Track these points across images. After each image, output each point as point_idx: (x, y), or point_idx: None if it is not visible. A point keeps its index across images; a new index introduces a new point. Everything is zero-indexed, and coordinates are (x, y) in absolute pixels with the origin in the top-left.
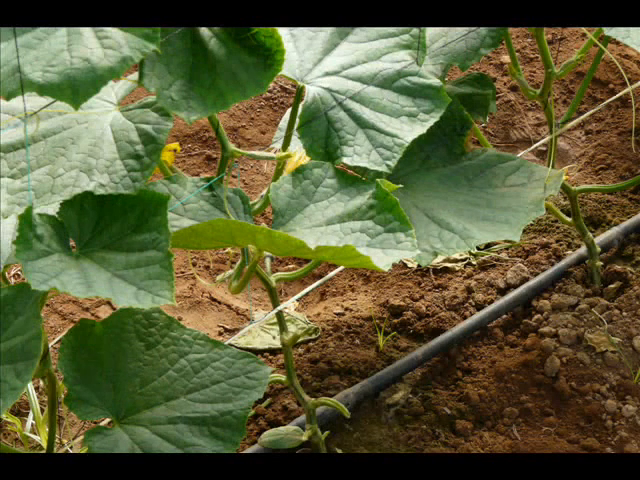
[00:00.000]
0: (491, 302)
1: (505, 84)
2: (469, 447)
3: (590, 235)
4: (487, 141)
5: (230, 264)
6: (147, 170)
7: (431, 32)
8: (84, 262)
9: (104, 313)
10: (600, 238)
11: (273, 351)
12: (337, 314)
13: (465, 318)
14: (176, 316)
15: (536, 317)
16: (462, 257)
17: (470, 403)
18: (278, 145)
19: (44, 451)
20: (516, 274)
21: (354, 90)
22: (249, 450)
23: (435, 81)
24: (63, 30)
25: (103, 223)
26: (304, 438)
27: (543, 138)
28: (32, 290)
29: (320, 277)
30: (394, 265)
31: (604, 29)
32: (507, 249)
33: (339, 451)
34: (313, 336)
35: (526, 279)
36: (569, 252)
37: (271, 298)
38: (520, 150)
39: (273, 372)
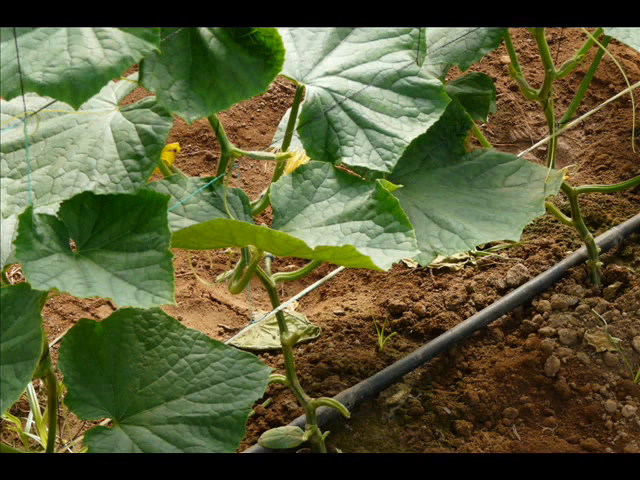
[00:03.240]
0: (491, 302)
1: (505, 84)
2: (469, 447)
3: (590, 235)
4: (487, 141)
5: (230, 264)
6: (147, 170)
7: (431, 32)
8: (84, 262)
9: (104, 313)
10: (600, 238)
11: (273, 351)
12: (337, 314)
13: (465, 318)
14: (176, 316)
15: (536, 317)
16: (462, 257)
17: (470, 403)
18: (278, 145)
19: (44, 451)
20: (516, 274)
21: (354, 90)
22: (249, 450)
23: (435, 81)
24: (63, 30)
25: (103, 223)
26: (304, 438)
27: (543, 138)
28: (32, 290)
29: (320, 277)
30: (394, 265)
31: (604, 29)
32: (507, 249)
33: (339, 451)
34: (313, 336)
35: (526, 279)
36: (569, 252)
37: (271, 298)
38: (520, 150)
39: (273, 372)
